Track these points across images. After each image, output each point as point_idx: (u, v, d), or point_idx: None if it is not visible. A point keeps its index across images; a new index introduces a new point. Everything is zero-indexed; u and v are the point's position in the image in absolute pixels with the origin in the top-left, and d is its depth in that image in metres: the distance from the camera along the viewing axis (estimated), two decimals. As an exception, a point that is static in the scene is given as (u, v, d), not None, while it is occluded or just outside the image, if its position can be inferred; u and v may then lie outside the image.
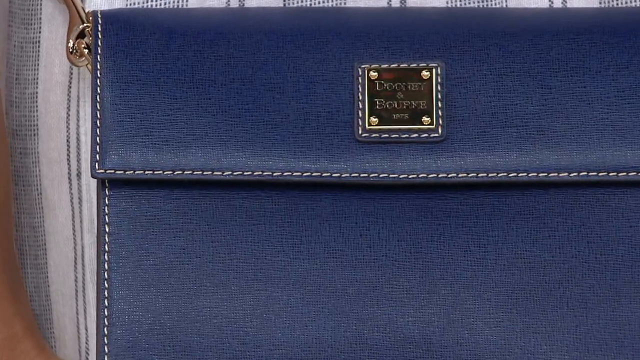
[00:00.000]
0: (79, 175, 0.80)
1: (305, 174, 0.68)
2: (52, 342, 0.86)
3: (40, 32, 0.81)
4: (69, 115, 0.80)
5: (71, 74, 0.79)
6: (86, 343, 0.83)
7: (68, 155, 0.80)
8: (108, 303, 0.68)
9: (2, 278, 0.80)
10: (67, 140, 0.80)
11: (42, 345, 0.83)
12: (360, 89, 0.69)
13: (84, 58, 0.74)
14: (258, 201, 0.69)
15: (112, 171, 0.69)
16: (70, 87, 0.80)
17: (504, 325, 0.67)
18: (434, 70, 0.68)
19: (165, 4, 0.74)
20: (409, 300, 0.67)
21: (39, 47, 0.81)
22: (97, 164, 0.69)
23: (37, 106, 0.82)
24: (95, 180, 0.73)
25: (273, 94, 0.69)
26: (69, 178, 0.81)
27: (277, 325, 0.67)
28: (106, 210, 0.69)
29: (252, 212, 0.69)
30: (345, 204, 0.69)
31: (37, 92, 0.81)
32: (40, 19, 0.80)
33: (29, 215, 0.85)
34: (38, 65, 0.81)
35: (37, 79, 0.81)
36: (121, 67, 0.70)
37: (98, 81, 0.70)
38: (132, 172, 0.69)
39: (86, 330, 0.82)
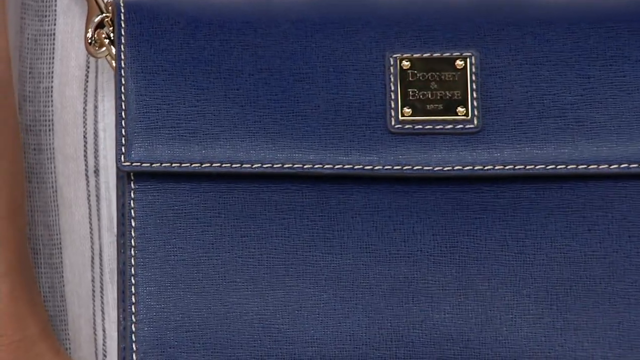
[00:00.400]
0: (96, 172, 0.78)
1: (336, 167, 0.66)
2: (67, 344, 0.83)
3: (55, 25, 0.79)
4: (85, 110, 0.78)
5: (88, 67, 0.77)
6: (103, 345, 0.80)
7: (85, 151, 0.78)
8: (135, 300, 0.66)
9: (17, 278, 0.77)
10: (84, 136, 0.78)
11: (57, 348, 0.81)
12: (392, 79, 0.67)
13: (104, 49, 0.72)
14: (288, 195, 0.67)
15: (139, 164, 0.66)
16: (87, 82, 0.77)
17: (543, 322, 0.65)
18: (468, 59, 0.67)
19: (188, -9, 0.72)
20: (445, 296, 0.65)
21: (54, 40, 0.79)
22: (122, 156, 0.67)
23: (52, 101, 0.80)
24: (115, 177, 0.71)
25: (302, 84, 0.67)
26: (86, 175, 0.79)
27: (310, 322, 0.65)
28: (132, 205, 0.67)
29: (282, 206, 0.67)
30: (378, 197, 0.66)
31: (52, 87, 0.79)
32: (56, 10, 0.78)
33: (44, 213, 0.82)
34: (53, 58, 0.79)
35: (52, 72, 0.79)
36: (146, 57, 0.68)
37: (122, 72, 0.67)
38: (158, 164, 0.66)
39: (104, 331, 0.80)
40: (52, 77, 0.79)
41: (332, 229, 0.66)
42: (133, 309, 0.66)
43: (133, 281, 0.66)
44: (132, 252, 0.66)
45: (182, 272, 0.66)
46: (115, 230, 0.75)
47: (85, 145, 0.78)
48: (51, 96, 0.79)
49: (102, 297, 0.79)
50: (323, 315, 0.65)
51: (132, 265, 0.66)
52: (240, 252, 0.66)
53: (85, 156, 0.78)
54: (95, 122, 0.77)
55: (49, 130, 0.80)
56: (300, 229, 0.66)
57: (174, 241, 0.66)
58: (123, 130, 0.67)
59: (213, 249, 0.66)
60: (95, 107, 0.77)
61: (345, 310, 0.65)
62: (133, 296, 0.66)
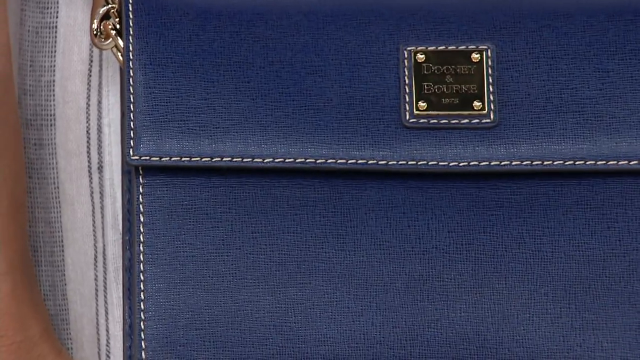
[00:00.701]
0: (100, 168, 0.76)
1: (350, 162, 0.64)
2: (69, 344, 0.81)
3: (57, 17, 0.77)
4: (89, 105, 0.76)
5: (91, 61, 0.76)
6: (107, 345, 0.78)
7: (88, 147, 0.76)
8: (144, 297, 0.64)
9: (19, 277, 0.75)
10: (87, 132, 0.76)
11: (58, 348, 0.79)
12: (406, 72, 0.65)
13: (110, 40, 0.70)
14: (300, 190, 0.65)
15: (147, 157, 0.65)
16: (90, 76, 0.76)
17: (562, 322, 0.63)
18: (484, 52, 0.65)
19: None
20: (461, 295, 0.64)
21: (55, 32, 0.77)
22: (131, 150, 0.65)
23: (54, 95, 0.78)
24: (119, 173, 0.69)
25: (315, 77, 0.65)
26: (89, 171, 0.77)
27: (323, 320, 0.63)
28: (140, 200, 0.65)
29: (294, 202, 0.65)
30: (391, 193, 0.65)
31: (54, 80, 0.78)
32: (58, 2, 0.77)
33: (45, 210, 0.81)
34: (55, 51, 0.77)
35: (54, 66, 0.78)
36: (154, 49, 0.66)
37: (130, 63, 0.66)
38: (168, 158, 0.65)
39: (107, 331, 0.78)
40: (54, 71, 0.78)
41: (345, 225, 0.65)
42: (142, 306, 0.64)
43: (142, 277, 0.64)
44: (141, 248, 0.65)
45: (191, 269, 0.64)
46: (120, 227, 0.73)
47: (88, 142, 0.76)
48: (53, 90, 0.78)
49: (105, 296, 0.77)
50: (336, 313, 0.64)
51: (141, 262, 0.64)
52: (251, 249, 0.64)
53: (88, 152, 0.76)
54: (99, 117, 0.76)
55: (51, 125, 0.78)
56: (313, 225, 0.65)
57: (184, 237, 0.65)
58: (132, 124, 0.65)
59: (223, 245, 0.65)
60: (99, 102, 0.76)
61: (358, 309, 0.64)
62: (142, 293, 0.64)
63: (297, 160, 0.64)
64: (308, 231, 0.65)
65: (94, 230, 0.77)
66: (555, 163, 0.64)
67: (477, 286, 0.64)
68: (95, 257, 0.77)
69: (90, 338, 0.79)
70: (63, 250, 0.80)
